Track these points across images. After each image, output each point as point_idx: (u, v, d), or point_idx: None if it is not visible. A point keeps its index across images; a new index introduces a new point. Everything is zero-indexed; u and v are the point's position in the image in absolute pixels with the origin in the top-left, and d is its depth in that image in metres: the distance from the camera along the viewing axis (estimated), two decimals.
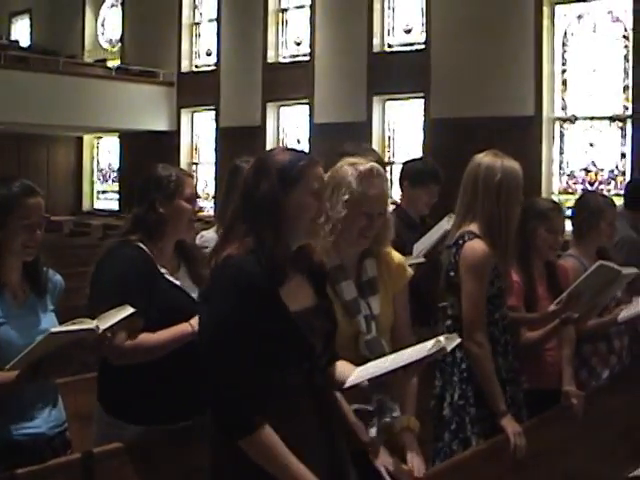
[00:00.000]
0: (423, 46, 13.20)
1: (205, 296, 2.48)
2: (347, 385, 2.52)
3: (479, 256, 3.51)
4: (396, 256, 3.19)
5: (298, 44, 15.25)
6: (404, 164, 5.18)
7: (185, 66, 17.11)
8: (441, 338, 2.45)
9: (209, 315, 2.41)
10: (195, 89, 16.51)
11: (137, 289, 3.07)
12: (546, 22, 12.03)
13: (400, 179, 5.11)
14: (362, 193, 2.98)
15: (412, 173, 4.98)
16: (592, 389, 4.36)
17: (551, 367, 4.11)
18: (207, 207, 16.47)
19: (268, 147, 15.11)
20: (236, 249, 2.41)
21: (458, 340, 2.59)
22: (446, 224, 4.47)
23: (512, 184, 3.57)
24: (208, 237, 4.24)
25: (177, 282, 3.26)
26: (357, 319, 2.99)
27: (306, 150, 2.60)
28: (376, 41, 13.77)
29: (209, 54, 16.85)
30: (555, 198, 11.88)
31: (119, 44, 18.74)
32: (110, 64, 18.21)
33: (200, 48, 17.16)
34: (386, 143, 13.88)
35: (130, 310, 2.78)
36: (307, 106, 14.69)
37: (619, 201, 5.58)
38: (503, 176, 3.55)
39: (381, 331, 3.02)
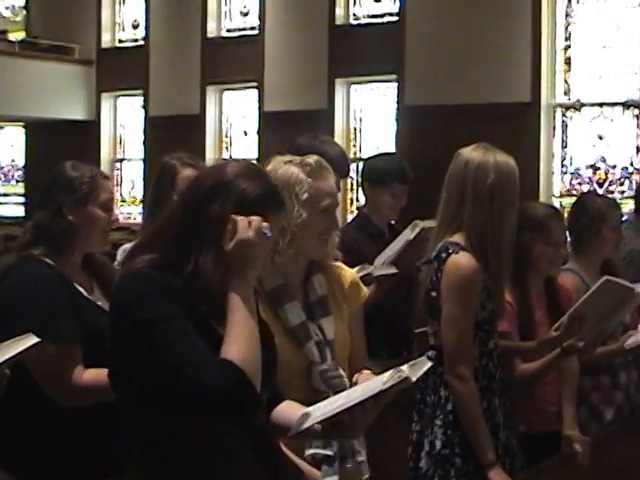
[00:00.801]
0: (396, 18, 13.25)
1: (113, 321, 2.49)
2: (292, 432, 2.54)
3: (466, 272, 3.52)
4: (348, 271, 3.25)
5: (245, 15, 15.25)
6: (365, 161, 5.22)
7: (106, 41, 17.03)
8: (404, 367, 2.47)
9: (140, 324, 2.42)
10: (119, 69, 16.44)
11: (63, 312, 3.08)
12: None
13: (361, 180, 5.15)
14: (318, 187, 3.02)
15: (372, 172, 5.01)
16: (602, 434, 4.40)
17: (549, 406, 4.14)
18: (134, 213, 16.39)
19: (208, 140, 15.14)
20: (139, 263, 2.45)
21: (428, 365, 2.60)
22: (409, 234, 4.49)
23: (508, 185, 3.58)
24: None
25: (99, 303, 3.26)
26: (307, 347, 3.01)
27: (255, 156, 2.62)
28: (339, 12, 13.80)
29: (136, 26, 16.80)
30: (556, 202, 11.98)
31: (23, 12, 18.60)
32: (12, 37, 18.06)
33: (125, 19, 17.10)
34: (351, 135, 13.91)
35: (34, 340, 2.78)
36: (256, 91, 14.68)
37: (632, 205, 5.65)
38: (497, 176, 3.56)
39: (338, 359, 3.05)
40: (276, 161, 3.12)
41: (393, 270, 4.50)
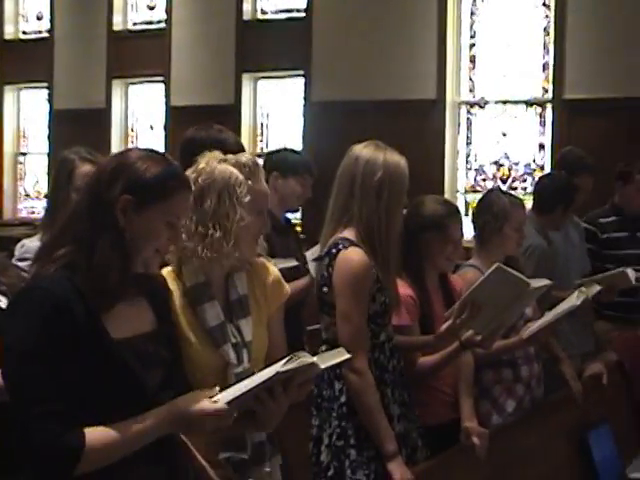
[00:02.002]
0: (304, 13, 13.27)
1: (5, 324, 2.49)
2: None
3: (356, 267, 3.57)
4: (271, 269, 3.23)
5: (151, 8, 15.10)
6: (268, 155, 5.26)
7: (9, 32, 16.74)
8: (301, 353, 2.53)
9: (9, 347, 2.43)
10: (22, 61, 16.16)
11: None
12: None
13: (267, 171, 5.18)
14: (258, 191, 3.04)
15: (283, 162, 5.07)
16: (500, 426, 4.47)
17: (446, 397, 4.21)
18: (38, 208, 16.15)
19: (114, 134, 14.96)
20: (53, 263, 2.43)
21: (345, 356, 2.64)
22: (575, 300, 4.51)
23: (396, 183, 3.65)
24: (30, 247, 4.20)
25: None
26: (224, 349, 3.00)
27: (166, 155, 2.62)
28: (247, 6, 13.76)
29: (40, 18, 16.54)
30: (461, 198, 12.14)
31: None
32: None
33: (28, 10, 16.84)
34: (258, 130, 13.88)
35: None
36: (162, 85, 14.56)
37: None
38: (386, 173, 3.63)
39: (254, 361, 3.05)
40: (208, 158, 3.09)
41: (294, 263, 4.54)
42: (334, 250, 3.63)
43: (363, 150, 3.71)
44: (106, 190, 2.49)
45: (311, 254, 4.74)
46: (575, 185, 5.91)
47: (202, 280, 3.04)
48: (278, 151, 5.55)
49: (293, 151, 5.62)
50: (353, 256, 3.57)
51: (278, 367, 2.48)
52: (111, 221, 2.47)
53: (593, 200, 6.69)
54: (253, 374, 2.62)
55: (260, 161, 3.27)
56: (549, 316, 4.45)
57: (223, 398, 2.51)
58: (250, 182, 3.04)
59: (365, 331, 3.62)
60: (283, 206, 5.06)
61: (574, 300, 4.46)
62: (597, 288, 4.87)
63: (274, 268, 3.28)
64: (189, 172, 2.92)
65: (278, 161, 5.16)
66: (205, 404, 2.48)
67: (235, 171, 3.03)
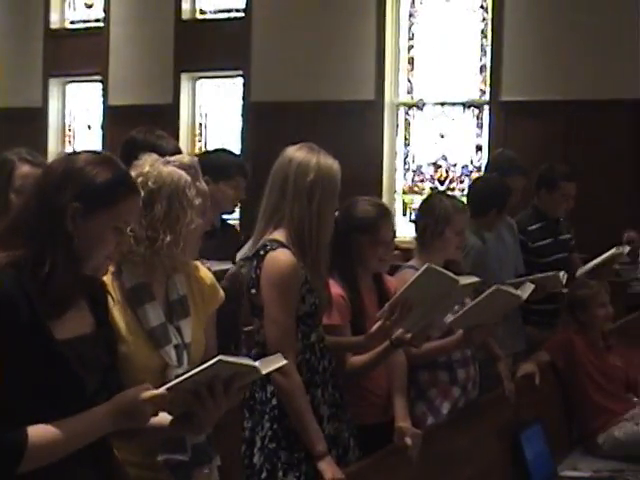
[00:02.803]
0: (243, 14, 13.26)
1: None
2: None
3: (283, 269, 3.58)
4: (207, 274, 3.23)
5: (89, 7, 14.98)
6: (199, 156, 5.23)
7: None
8: (257, 362, 2.56)
9: None
10: None
11: None
12: None
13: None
14: (204, 191, 3.03)
15: (213, 165, 5.02)
16: (432, 426, 4.50)
17: (377, 398, 4.22)
18: None
19: (51, 134, 14.84)
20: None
21: (282, 362, 2.65)
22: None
23: (328, 186, 3.67)
24: None
25: None
26: (165, 350, 2.99)
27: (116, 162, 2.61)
28: (186, 5, 13.71)
29: None
30: (399, 199, 12.22)
31: None
32: None
33: None
34: (197, 130, 13.84)
35: None
36: (100, 84, 14.47)
37: None
38: (318, 175, 3.65)
39: (192, 363, 3.03)
40: (150, 160, 3.06)
41: (229, 265, 4.53)
42: (262, 251, 3.64)
43: (296, 152, 3.72)
44: (55, 196, 2.47)
45: (240, 255, 4.73)
46: (508, 187, 5.95)
47: (142, 281, 3.02)
48: (209, 153, 5.52)
49: (225, 152, 5.58)
50: (280, 257, 3.58)
51: (220, 357, 2.49)
52: (60, 227, 2.45)
53: (526, 201, 6.75)
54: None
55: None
56: (474, 302, 4.43)
57: (162, 387, 2.52)
58: (198, 185, 3.04)
59: (293, 332, 3.63)
60: (217, 209, 5.03)
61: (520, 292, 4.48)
62: (531, 287, 4.91)
63: (209, 272, 3.29)
64: (134, 175, 2.89)
65: (208, 165, 5.11)
66: (143, 392, 2.49)
67: (183, 174, 3.02)
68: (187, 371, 2.89)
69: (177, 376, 2.89)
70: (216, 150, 5.78)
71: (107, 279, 2.88)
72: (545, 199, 6.54)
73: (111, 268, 2.97)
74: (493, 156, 6.76)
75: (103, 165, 2.53)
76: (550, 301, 6.10)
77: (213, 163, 5.06)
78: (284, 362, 2.70)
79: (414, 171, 12.39)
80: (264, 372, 2.61)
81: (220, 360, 2.47)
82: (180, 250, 2.96)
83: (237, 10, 13.47)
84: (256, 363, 2.58)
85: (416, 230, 4.83)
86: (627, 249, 6.72)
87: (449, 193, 6.02)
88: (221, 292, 3.26)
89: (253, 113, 12.94)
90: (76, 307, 2.56)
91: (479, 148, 11.95)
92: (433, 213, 4.70)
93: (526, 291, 4.60)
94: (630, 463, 5.46)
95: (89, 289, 2.63)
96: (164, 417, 2.62)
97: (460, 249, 4.85)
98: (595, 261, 6.49)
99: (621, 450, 5.55)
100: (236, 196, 5.12)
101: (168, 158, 3.10)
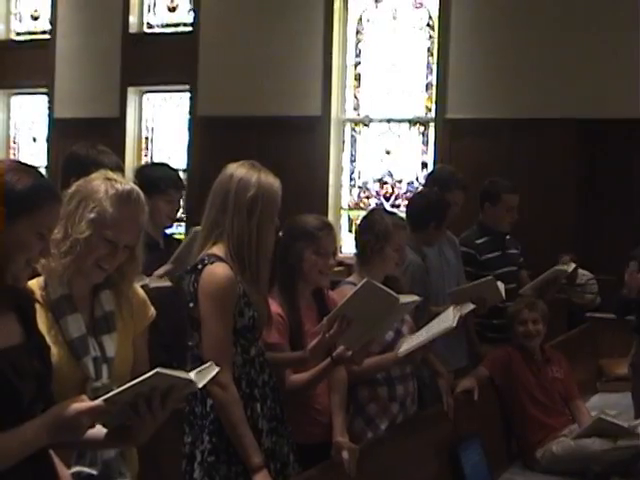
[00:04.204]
0: (190, 28, 13.26)
1: None
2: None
3: (220, 282, 3.60)
4: (139, 292, 3.25)
5: (35, 19, 14.91)
6: (136, 170, 5.24)
7: None
8: (191, 373, 2.57)
9: None
10: None
11: None
12: (338, 4, 12.36)
13: None
14: (112, 216, 3.02)
15: (148, 179, 5.03)
16: (371, 441, 4.52)
17: (323, 418, 4.23)
18: None
19: None
20: None
21: (215, 371, 2.66)
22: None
23: (268, 202, 3.70)
24: None
25: None
26: (84, 361, 3.01)
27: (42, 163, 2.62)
28: (133, 19, 13.69)
29: None
30: (344, 215, 12.28)
31: None
32: None
33: None
34: (143, 145, 13.81)
35: None
36: (45, 97, 14.40)
37: None
38: (258, 192, 3.69)
39: (115, 378, 3.04)
40: (100, 173, 3.13)
41: (167, 283, 4.55)
42: (200, 265, 3.66)
43: (238, 169, 3.76)
44: None
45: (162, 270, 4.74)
46: (447, 201, 5.99)
47: (65, 292, 3.05)
48: (145, 167, 5.52)
49: (163, 165, 5.58)
50: (217, 271, 3.61)
51: (158, 369, 2.50)
52: None
53: (472, 219, 6.80)
54: (112, 391, 2.62)
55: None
56: (423, 336, 4.50)
57: (99, 399, 2.52)
58: (107, 204, 3.04)
59: (229, 345, 3.65)
60: (154, 224, 5.03)
61: (450, 320, 4.51)
62: (471, 307, 4.95)
63: (140, 290, 3.31)
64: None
65: (142, 179, 5.11)
66: (80, 404, 2.49)
67: (104, 190, 3.05)
68: (106, 386, 2.92)
69: (94, 390, 2.92)
70: (153, 164, 5.80)
71: (36, 290, 2.90)
72: (489, 213, 6.60)
73: (40, 280, 3.00)
74: (432, 171, 6.83)
75: (25, 172, 2.53)
76: (498, 316, 6.15)
77: (147, 177, 5.07)
78: (217, 369, 2.71)
79: (360, 187, 12.44)
80: (200, 385, 2.62)
81: (157, 372, 2.48)
82: (64, 250, 2.98)
83: (185, 24, 13.48)
84: (192, 375, 2.59)
85: (356, 246, 4.86)
86: (572, 266, 6.79)
87: (391, 210, 5.99)
88: (152, 310, 3.29)
89: (200, 128, 12.94)
90: (2, 317, 2.55)
91: (425, 165, 12.03)
92: (373, 229, 4.73)
93: (465, 310, 4.66)
94: (567, 478, 5.50)
95: (15, 299, 2.62)
96: (99, 429, 2.62)
97: (399, 265, 4.88)
98: (537, 279, 6.55)
99: (559, 465, 5.59)
100: (170, 210, 5.13)
101: (116, 177, 3.13)
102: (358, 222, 5.14)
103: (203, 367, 2.72)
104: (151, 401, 2.55)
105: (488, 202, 6.59)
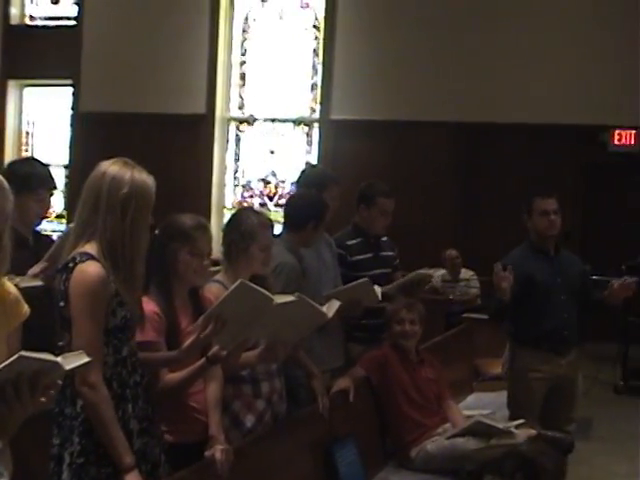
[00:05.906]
0: (74, 22, 13.09)
1: None
2: None
3: (91, 280, 3.56)
4: (10, 288, 3.19)
5: None
6: (7, 165, 5.15)
7: None
8: (59, 358, 2.52)
9: None
10: None
11: None
12: (224, 2, 12.35)
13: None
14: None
15: (18, 176, 4.92)
16: (245, 441, 4.53)
17: (200, 416, 4.22)
18: None
19: None
20: None
21: (85, 360, 2.63)
22: None
23: (142, 200, 3.67)
24: None
25: None
26: None
27: None
28: (14, 11, 13.47)
29: None
30: (227, 214, 12.24)
31: None
32: None
33: None
34: (23, 139, 13.60)
35: None
36: None
37: None
38: (132, 190, 3.65)
39: None
40: None
41: (39, 283, 4.47)
42: (71, 264, 3.61)
43: (111, 166, 3.71)
44: None
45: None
46: (326, 202, 6.00)
47: None
48: (15, 163, 5.41)
49: (34, 161, 5.48)
50: (88, 269, 3.56)
51: (22, 352, 2.46)
52: None
53: (349, 218, 6.82)
54: None
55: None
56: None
57: None
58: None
59: (100, 344, 3.61)
60: (23, 222, 4.95)
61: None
62: (337, 304, 4.94)
63: (13, 287, 3.24)
64: None
65: (12, 175, 5.02)
66: None
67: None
68: None
69: None
70: (25, 159, 5.70)
71: None
72: (364, 215, 6.63)
73: None
74: (304, 172, 6.81)
75: None
76: (373, 315, 6.18)
77: (17, 174, 4.96)
78: (87, 359, 2.67)
79: (244, 186, 12.46)
80: (67, 368, 2.58)
81: (21, 355, 2.45)
82: None
83: (68, 18, 13.31)
84: (58, 359, 2.55)
85: (223, 245, 4.85)
86: (440, 272, 6.89)
87: (260, 210, 5.99)
88: (25, 307, 3.22)
89: (82, 123, 12.79)
90: None
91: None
92: (239, 229, 4.74)
93: (332, 308, 4.66)
94: (441, 477, 5.58)
95: None
96: None
97: (266, 265, 4.88)
98: (401, 280, 6.60)
99: (433, 464, 5.66)
100: (39, 208, 5.05)
101: None
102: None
103: (72, 354, 2.68)
104: (19, 387, 2.52)
105: (363, 204, 6.62)
